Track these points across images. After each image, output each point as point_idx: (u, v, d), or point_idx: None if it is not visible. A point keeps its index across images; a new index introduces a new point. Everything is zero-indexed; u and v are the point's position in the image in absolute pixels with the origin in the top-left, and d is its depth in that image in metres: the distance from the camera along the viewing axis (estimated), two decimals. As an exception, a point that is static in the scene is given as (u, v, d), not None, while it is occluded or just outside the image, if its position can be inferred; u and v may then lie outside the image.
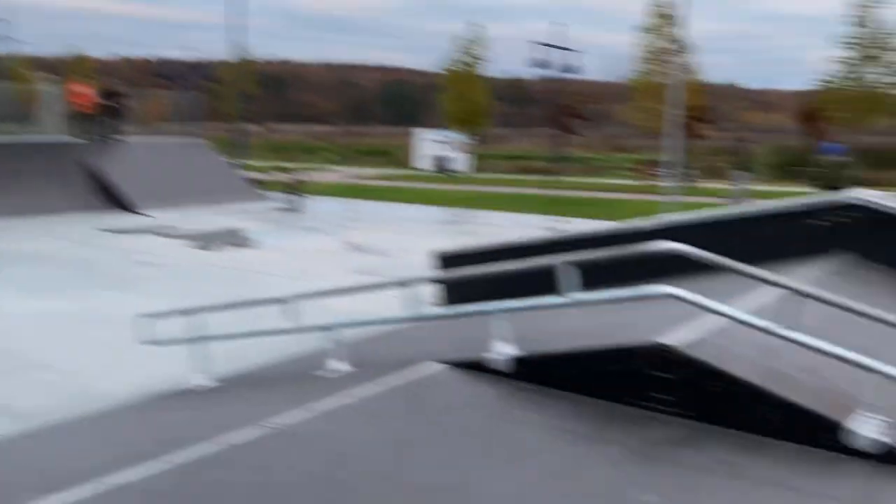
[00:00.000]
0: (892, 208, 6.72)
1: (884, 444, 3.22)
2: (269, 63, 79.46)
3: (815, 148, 27.63)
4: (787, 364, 3.84)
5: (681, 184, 22.35)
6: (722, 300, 3.92)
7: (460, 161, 44.91)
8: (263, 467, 3.52)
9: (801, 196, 8.58)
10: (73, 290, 10.70)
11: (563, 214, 20.46)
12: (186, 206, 18.69)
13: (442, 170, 42.44)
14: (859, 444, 3.31)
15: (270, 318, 5.96)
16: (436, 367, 4.54)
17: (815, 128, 36.95)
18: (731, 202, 19.50)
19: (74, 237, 14.87)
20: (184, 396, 5.74)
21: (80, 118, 19.38)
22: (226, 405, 5.10)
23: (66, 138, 19.74)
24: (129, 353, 6.83)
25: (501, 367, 4.41)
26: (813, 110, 38.42)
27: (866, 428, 3.33)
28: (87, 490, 3.12)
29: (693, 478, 3.52)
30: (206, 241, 15.08)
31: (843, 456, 3.51)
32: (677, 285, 4.01)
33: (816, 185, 20.08)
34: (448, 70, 46.42)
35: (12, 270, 11.69)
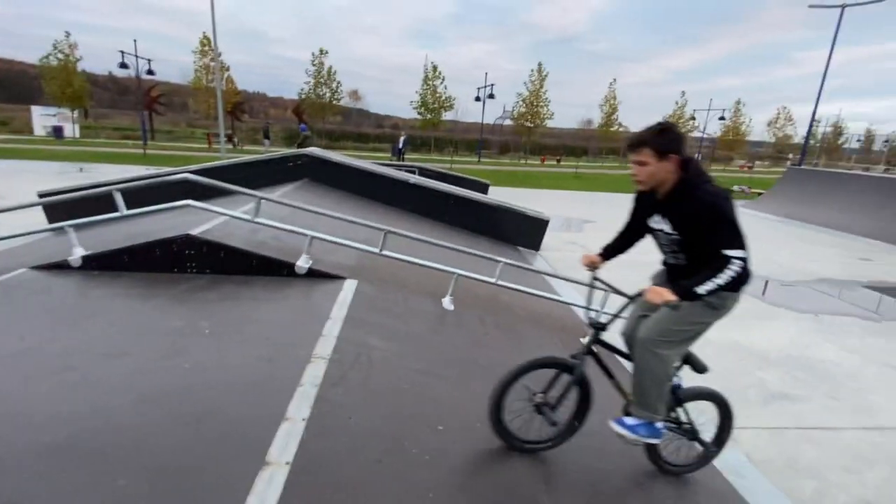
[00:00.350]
0: (324, 155, 7.04)
1: (309, 268, 3.27)
2: None
3: (298, 128, 27.33)
4: (263, 237, 3.75)
5: (228, 146, 19.91)
6: (225, 207, 3.53)
7: (71, 129, 32.93)
8: None
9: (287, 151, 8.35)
10: None
11: (157, 165, 16.60)
12: None
13: (58, 135, 30.54)
14: (299, 271, 3.31)
15: None
16: (25, 271, 3.30)
17: (299, 117, 36.65)
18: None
19: None
20: None
21: None
22: None
23: None
24: None
25: (76, 263, 3.49)
26: (298, 108, 38.00)
27: (303, 262, 3.36)
28: None
29: (212, 304, 3.37)
30: None
31: (294, 279, 3.70)
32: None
33: (297, 146, 19.83)
34: (47, 65, 32.81)
35: None
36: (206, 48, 35.90)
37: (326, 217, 4.21)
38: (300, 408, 2.02)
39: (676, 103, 47.74)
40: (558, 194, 18.45)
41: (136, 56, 27.97)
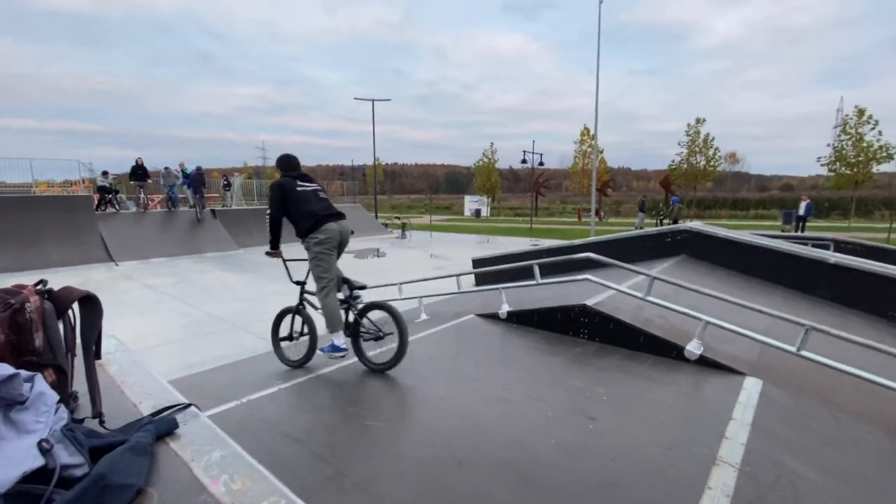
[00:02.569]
0: (705, 230, 6.51)
1: (701, 355, 3.03)
2: (389, 164, 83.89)
3: (667, 200, 26.41)
4: (649, 314, 3.72)
5: (597, 219, 21.57)
6: (614, 281, 3.83)
7: (485, 210, 44.78)
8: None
9: (660, 227, 8.28)
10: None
11: (538, 237, 20.11)
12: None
13: (477, 215, 42.16)
14: (690, 357, 3.13)
15: (390, 293, 6.03)
16: (473, 317, 4.63)
17: (666, 188, 35.56)
18: (636, 228, 18.82)
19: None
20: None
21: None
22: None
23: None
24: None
25: (503, 316, 4.55)
26: (666, 180, 36.99)
27: (693, 347, 3.16)
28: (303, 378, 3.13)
29: (605, 372, 3.58)
30: (358, 253, 15.31)
31: (682, 363, 3.34)
32: (592, 275, 3.85)
33: (668, 220, 19.12)
34: (477, 165, 46.60)
35: (272, 271, 11.93)
36: (585, 137, 41.26)
37: (713, 299, 3.80)
38: (712, 516, 1.82)
39: None
40: None
41: (533, 153, 35.15)
